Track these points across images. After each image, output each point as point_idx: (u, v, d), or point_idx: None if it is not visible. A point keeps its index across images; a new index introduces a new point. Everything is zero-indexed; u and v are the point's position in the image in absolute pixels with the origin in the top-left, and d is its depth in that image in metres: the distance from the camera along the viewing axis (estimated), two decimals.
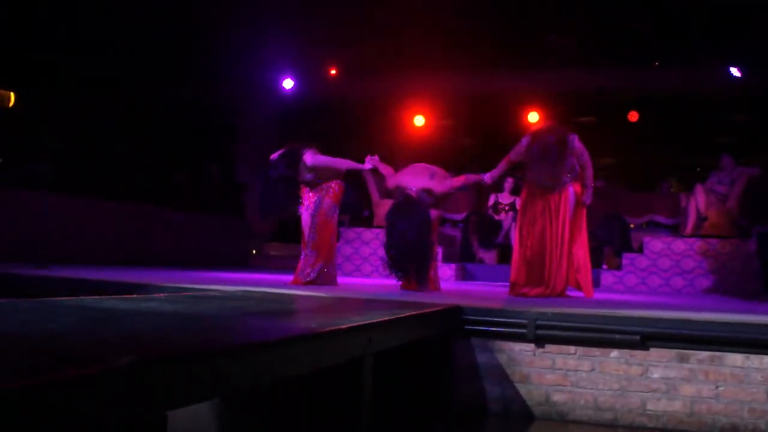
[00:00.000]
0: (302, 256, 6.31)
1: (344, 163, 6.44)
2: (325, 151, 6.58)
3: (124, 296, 3.76)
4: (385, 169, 6.38)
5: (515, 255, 6.06)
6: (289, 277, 6.55)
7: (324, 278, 6.26)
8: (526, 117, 12.73)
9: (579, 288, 6.00)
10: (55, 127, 10.48)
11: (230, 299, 3.78)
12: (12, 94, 10.00)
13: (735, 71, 11.42)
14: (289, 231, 13.43)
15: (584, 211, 6.06)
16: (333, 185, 6.41)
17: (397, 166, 6.74)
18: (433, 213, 5.98)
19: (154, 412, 1.64)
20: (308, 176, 6.36)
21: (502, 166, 6.08)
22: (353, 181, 8.59)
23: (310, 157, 6.29)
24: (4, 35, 9.81)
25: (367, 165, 6.42)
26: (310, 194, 6.42)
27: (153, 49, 11.53)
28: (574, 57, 12.05)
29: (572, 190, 5.93)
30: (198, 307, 3.16)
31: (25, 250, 7.18)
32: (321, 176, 6.38)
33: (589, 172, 5.91)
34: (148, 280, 5.03)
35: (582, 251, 6.08)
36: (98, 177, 9.92)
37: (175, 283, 4.95)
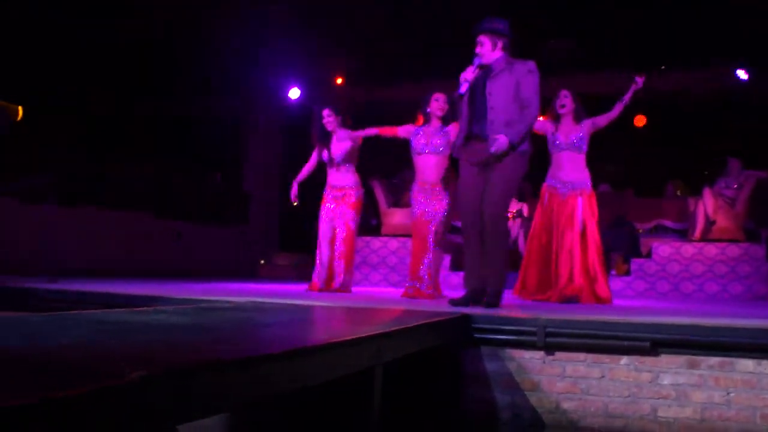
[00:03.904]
0: (335, 265, 6.62)
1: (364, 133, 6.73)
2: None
3: (134, 309, 3.76)
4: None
5: (525, 258, 6.24)
6: (299, 286, 6.69)
7: (345, 287, 6.61)
8: None
9: (598, 299, 6.04)
10: (58, 138, 10.52)
11: (240, 310, 3.78)
12: (20, 108, 10.06)
13: (742, 74, 11.38)
14: (297, 241, 13.43)
15: (596, 219, 6.18)
16: (352, 194, 6.72)
17: (405, 175, 6.79)
18: None
19: (165, 427, 1.64)
20: (337, 155, 6.75)
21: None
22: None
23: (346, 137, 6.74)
24: (9, 49, 9.86)
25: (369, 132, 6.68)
26: (332, 204, 6.75)
27: (157, 58, 11.57)
28: (578, 61, 12.04)
29: (580, 201, 6.08)
30: (208, 319, 3.16)
31: (32, 264, 7.20)
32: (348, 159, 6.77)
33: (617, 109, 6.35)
34: (157, 293, 5.04)
35: (596, 257, 6.17)
36: (103, 188, 9.95)
37: (185, 294, 4.96)
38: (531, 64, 4.97)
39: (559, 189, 6.26)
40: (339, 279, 6.57)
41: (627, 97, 6.29)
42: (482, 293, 4.92)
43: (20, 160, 8.86)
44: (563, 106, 6.32)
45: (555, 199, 6.25)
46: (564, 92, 6.39)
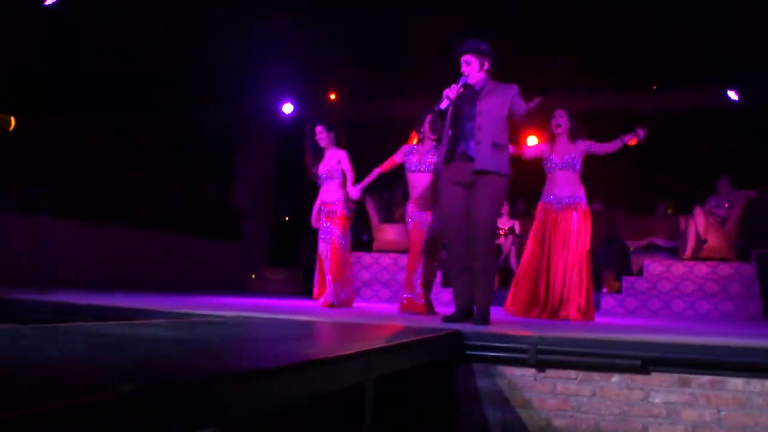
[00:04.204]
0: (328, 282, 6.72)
1: (350, 173, 6.78)
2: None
3: (124, 322, 3.74)
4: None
5: (517, 274, 6.46)
6: (289, 301, 6.78)
7: (337, 302, 6.66)
8: (525, 140, 12.77)
9: (582, 313, 6.08)
10: (53, 151, 10.48)
11: (230, 325, 3.77)
12: (12, 119, 10.02)
13: (732, 94, 11.46)
14: (287, 255, 13.42)
15: (589, 234, 6.22)
16: (338, 210, 6.73)
17: (397, 191, 6.85)
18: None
19: None
20: (322, 171, 6.87)
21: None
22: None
23: (343, 157, 6.80)
24: (4, 59, 9.84)
25: (354, 194, 6.71)
26: (324, 220, 6.83)
27: (151, 73, 11.56)
28: (571, 81, 12.09)
29: (575, 215, 6.21)
30: (198, 333, 3.15)
31: (24, 275, 7.17)
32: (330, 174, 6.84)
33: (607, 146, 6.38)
34: (147, 306, 5.01)
35: (585, 272, 6.27)
36: (96, 201, 9.93)
37: (176, 308, 4.94)
38: (516, 87, 5.04)
39: (555, 204, 6.32)
40: (329, 294, 6.63)
41: (627, 140, 6.27)
42: (472, 310, 4.94)
43: (16, 171, 8.83)
44: (559, 125, 6.38)
45: (550, 216, 6.32)
46: (559, 112, 6.44)
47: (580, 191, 6.34)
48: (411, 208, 6.39)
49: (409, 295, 6.24)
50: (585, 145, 6.33)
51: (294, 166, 7.35)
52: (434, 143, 6.24)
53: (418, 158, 6.32)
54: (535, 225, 6.42)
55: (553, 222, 6.28)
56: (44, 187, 7.18)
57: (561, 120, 6.40)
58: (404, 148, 6.47)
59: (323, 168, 6.83)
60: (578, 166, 6.33)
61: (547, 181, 6.46)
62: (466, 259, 4.99)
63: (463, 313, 4.94)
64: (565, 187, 6.33)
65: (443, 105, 4.97)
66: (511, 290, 6.44)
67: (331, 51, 11.61)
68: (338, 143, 6.86)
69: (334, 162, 6.79)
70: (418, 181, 6.34)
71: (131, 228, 10.17)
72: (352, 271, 7.16)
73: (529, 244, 6.42)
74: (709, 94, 11.92)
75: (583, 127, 6.49)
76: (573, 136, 6.36)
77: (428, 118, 6.30)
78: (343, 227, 6.74)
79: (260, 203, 13.73)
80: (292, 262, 12.94)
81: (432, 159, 6.19)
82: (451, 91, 4.95)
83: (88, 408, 1.38)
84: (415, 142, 6.48)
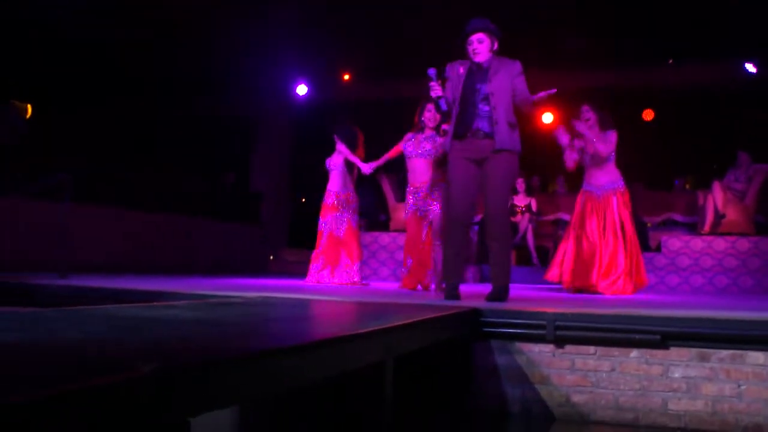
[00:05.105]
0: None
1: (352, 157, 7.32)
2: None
3: (145, 304, 3.78)
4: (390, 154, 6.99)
5: (568, 255, 6.71)
6: (308, 282, 7.37)
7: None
8: (540, 117, 12.69)
9: (635, 283, 6.56)
10: (74, 137, 10.55)
11: (250, 305, 3.79)
12: (29, 106, 10.07)
13: (751, 67, 11.33)
14: (306, 237, 13.45)
15: (630, 213, 6.64)
16: (328, 199, 7.46)
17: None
18: None
19: (178, 419, 1.65)
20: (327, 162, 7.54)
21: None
22: (370, 185, 8.71)
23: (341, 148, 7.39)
24: (23, 49, 9.90)
25: (366, 170, 7.20)
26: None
27: (167, 59, 11.58)
28: (588, 56, 11.99)
29: (615, 200, 6.55)
30: (218, 314, 3.17)
31: (46, 260, 7.23)
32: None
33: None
34: (168, 288, 5.05)
35: (634, 248, 6.65)
36: (116, 186, 9.98)
37: (196, 290, 4.97)
38: (519, 65, 5.09)
39: (595, 192, 6.64)
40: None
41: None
42: (457, 288, 4.96)
43: (39, 158, 8.89)
44: (588, 120, 6.64)
45: (590, 203, 6.62)
46: (585, 107, 6.73)
47: (617, 176, 6.63)
48: (408, 196, 6.61)
49: (427, 282, 6.41)
50: (613, 137, 6.53)
51: (310, 149, 7.63)
52: (433, 132, 6.38)
53: (414, 145, 6.52)
54: (577, 209, 6.71)
55: (594, 207, 6.57)
56: (65, 173, 7.22)
57: (589, 114, 6.67)
58: (406, 136, 6.64)
59: (328, 160, 7.46)
60: (613, 156, 6.62)
61: (585, 173, 6.76)
62: (463, 237, 5.06)
63: (456, 291, 4.93)
64: (602, 177, 6.62)
65: (456, 91, 5.06)
66: (557, 267, 6.72)
67: (345, 32, 11.58)
68: (354, 147, 7.29)
69: (336, 154, 7.38)
70: (415, 167, 6.53)
71: (151, 212, 10.21)
72: (348, 253, 7.52)
73: (572, 228, 6.71)
74: (728, 67, 11.80)
75: (609, 115, 6.75)
76: (603, 125, 6.59)
77: (427, 107, 6.44)
78: (333, 213, 7.40)
79: (278, 186, 13.75)
80: (311, 244, 12.96)
81: (429, 145, 6.41)
82: (461, 70, 5.08)
83: (111, 387, 1.40)
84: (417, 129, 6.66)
